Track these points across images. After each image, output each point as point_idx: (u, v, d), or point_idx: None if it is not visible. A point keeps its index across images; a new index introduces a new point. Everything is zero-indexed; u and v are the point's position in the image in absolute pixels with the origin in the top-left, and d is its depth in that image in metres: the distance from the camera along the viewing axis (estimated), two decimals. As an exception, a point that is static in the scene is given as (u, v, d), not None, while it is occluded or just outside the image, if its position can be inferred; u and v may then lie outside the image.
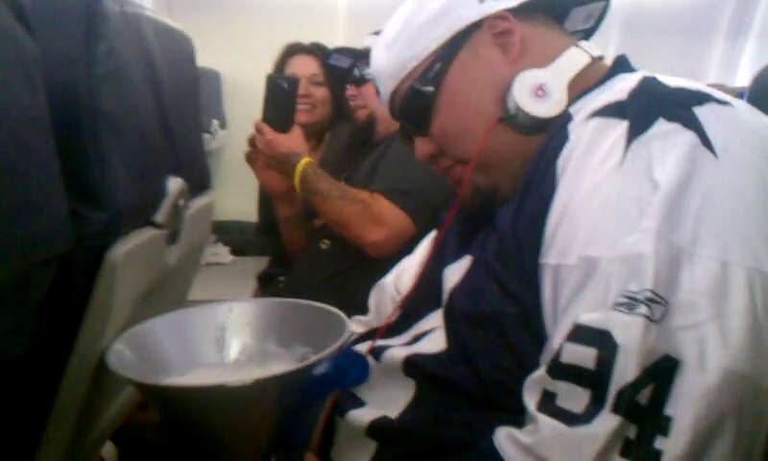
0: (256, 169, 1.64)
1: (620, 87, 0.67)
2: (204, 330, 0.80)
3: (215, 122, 2.40)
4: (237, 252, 2.44)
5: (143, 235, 0.74)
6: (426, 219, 1.41)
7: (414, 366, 0.72)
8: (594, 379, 0.53)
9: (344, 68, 1.71)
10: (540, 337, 0.62)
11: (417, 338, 0.77)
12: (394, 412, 0.71)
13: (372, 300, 1.04)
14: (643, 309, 0.52)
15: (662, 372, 0.51)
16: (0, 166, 0.50)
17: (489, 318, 0.67)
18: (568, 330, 0.56)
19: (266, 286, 1.96)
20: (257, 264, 2.22)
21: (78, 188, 0.63)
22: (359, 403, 0.75)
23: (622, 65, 0.76)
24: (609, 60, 0.78)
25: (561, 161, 0.64)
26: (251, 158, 1.62)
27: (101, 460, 1.20)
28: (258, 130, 1.55)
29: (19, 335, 0.61)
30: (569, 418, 0.54)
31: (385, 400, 0.73)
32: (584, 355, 0.54)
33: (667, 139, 0.58)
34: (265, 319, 0.80)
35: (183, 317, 0.80)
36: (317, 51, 1.98)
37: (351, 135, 1.80)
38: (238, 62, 2.53)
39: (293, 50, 2.00)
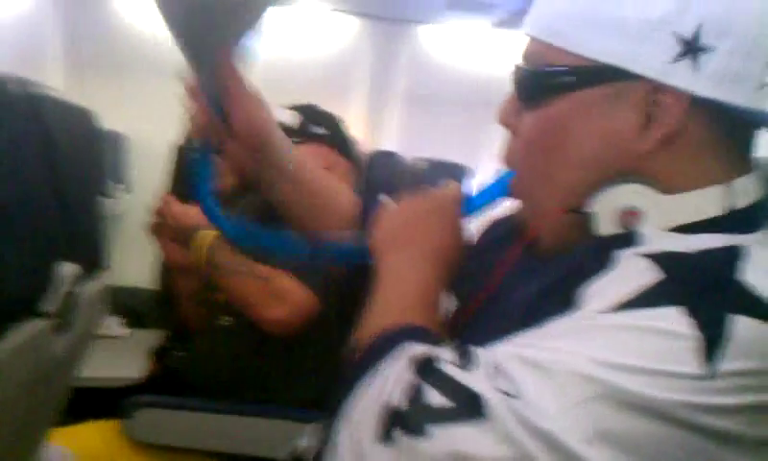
0: (162, 242, 1.59)
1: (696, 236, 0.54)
2: None
3: (120, 186, 2.34)
4: (133, 323, 2.31)
5: (27, 329, 0.70)
6: (332, 294, 1.39)
7: None
8: None
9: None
10: None
11: None
12: None
13: None
14: None
15: None
16: None
17: None
18: None
19: (161, 361, 1.87)
20: (155, 338, 2.10)
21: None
22: None
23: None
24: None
25: (588, 291, 0.52)
26: (156, 231, 1.57)
27: None
28: (165, 202, 1.51)
29: None
30: None
31: None
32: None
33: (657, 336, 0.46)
34: None
35: None
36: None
37: (261, 208, 1.78)
38: (145, 125, 2.48)
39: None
